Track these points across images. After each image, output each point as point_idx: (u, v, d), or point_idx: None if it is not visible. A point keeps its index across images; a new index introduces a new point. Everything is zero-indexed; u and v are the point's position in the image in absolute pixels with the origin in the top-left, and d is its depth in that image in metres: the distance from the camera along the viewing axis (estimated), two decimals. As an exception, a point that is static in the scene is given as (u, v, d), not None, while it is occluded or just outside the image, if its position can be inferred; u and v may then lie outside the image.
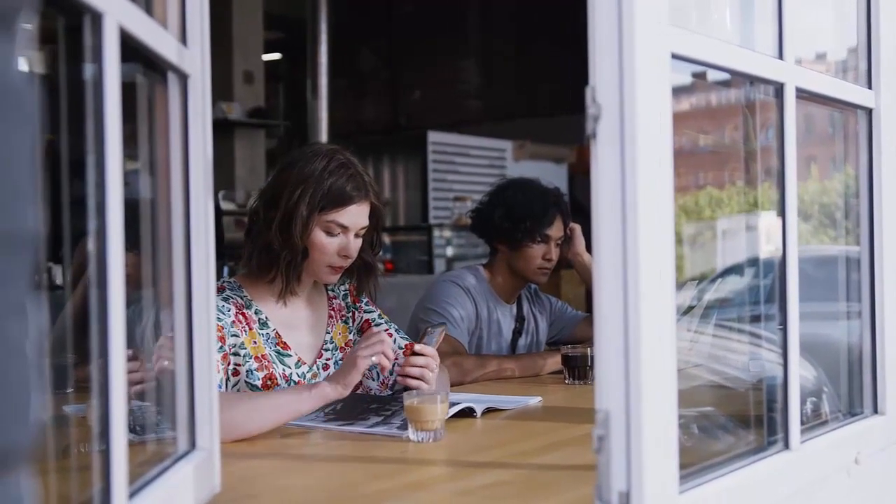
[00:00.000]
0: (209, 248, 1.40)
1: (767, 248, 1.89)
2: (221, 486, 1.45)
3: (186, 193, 1.36)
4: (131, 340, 1.07)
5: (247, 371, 2.18)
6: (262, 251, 2.24)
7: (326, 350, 2.37)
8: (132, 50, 1.11)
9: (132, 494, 1.09)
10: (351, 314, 2.45)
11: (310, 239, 2.22)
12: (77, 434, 1.41)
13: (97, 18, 0.99)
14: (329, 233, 2.23)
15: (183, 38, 1.35)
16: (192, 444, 1.37)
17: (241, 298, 2.25)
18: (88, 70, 1.01)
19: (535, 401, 2.38)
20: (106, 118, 1.01)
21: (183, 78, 1.35)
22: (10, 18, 0.59)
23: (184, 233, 1.36)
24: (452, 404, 2.06)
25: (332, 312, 2.42)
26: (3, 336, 0.56)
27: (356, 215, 2.24)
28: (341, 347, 2.40)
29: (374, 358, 2.01)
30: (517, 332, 3.14)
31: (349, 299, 2.46)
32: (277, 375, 2.23)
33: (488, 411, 2.21)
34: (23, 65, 0.61)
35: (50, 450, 1.08)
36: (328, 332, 2.39)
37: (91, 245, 1.00)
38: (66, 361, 1.46)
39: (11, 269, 0.57)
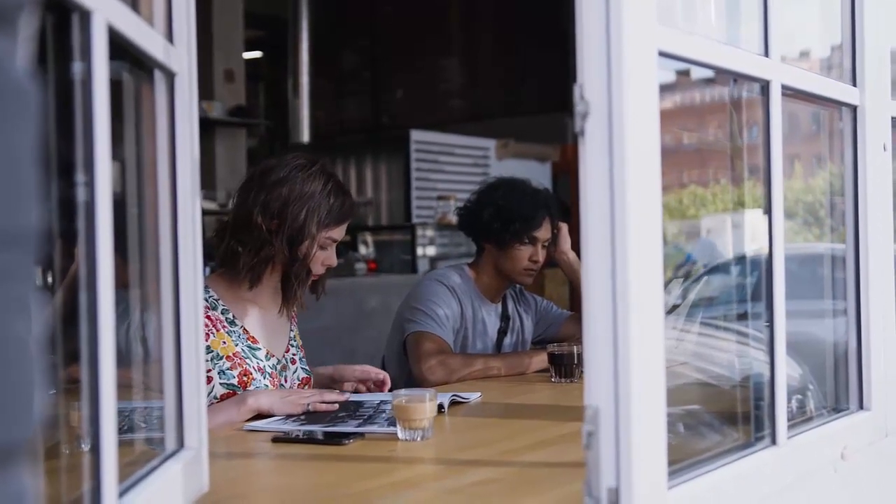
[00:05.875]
0: (197, 248, 1.39)
1: (752, 247, 1.90)
2: (209, 485, 1.44)
3: (174, 193, 1.35)
4: (117, 342, 1.06)
5: (219, 372, 2.20)
6: (263, 262, 2.27)
7: (292, 346, 2.45)
8: (118, 48, 1.11)
9: (121, 493, 1.08)
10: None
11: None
12: (59, 434, 1.41)
13: (85, 16, 0.99)
14: (323, 247, 2.31)
15: (169, 36, 1.35)
16: (181, 443, 1.37)
17: (206, 300, 2.26)
18: (76, 68, 1.00)
19: (475, 396, 2.40)
20: (95, 116, 1.00)
21: (170, 76, 1.34)
22: (12, 16, 0.59)
23: (171, 233, 1.35)
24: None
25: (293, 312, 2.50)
26: (8, 333, 0.57)
27: (345, 229, 2.37)
28: (301, 346, 2.49)
29: (310, 406, 2.16)
30: (502, 332, 3.14)
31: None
32: (252, 370, 2.27)
33: (453, 404, 2.26)
34: (24, 63, 0.61)
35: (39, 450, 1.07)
36: (292, 330, 2.47)
37: (80, 246, 1.00)
38: (50, 362, 1.45)
39: (15, 266, 0.57)
